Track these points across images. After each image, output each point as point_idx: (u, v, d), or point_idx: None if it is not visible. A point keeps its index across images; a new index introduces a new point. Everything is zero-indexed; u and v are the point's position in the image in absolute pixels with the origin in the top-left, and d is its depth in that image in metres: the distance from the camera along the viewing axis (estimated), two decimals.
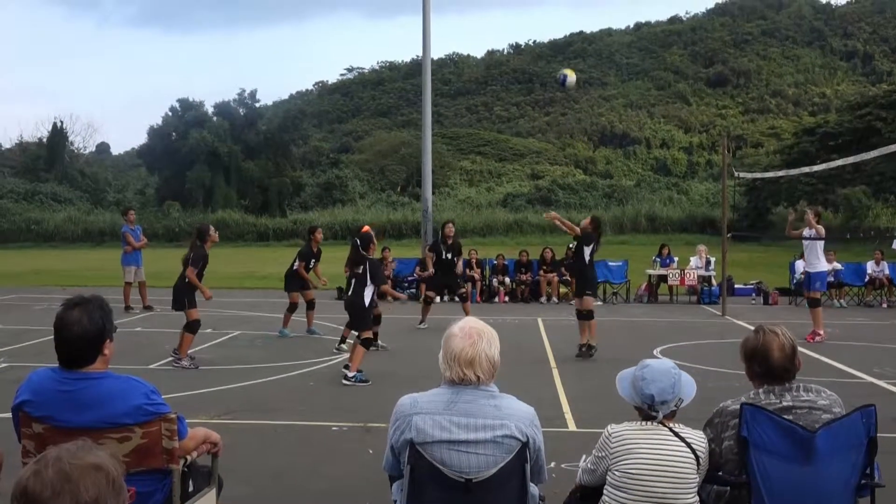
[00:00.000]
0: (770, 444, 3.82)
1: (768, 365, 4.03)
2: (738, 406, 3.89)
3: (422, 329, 16.01)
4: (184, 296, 12.24)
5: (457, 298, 17.83)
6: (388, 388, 10.18)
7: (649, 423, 3.90)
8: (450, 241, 16.92)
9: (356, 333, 11.09)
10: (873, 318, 19.18)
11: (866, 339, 15.30)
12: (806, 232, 15.14)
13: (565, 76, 17.11)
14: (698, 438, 3.89)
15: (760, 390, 4.05)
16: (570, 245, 23.56)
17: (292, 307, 15.38)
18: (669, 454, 3.80)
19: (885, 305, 21.68)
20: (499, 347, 3.64)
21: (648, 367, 3.97)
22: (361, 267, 11.13)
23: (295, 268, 15.43)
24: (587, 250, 13.16)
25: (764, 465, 3.81)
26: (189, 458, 4.18)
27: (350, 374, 10.67)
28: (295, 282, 15.53)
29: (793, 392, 4.01)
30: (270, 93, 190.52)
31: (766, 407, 3.90)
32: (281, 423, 8.65)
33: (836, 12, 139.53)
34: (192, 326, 12.08)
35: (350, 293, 11.37)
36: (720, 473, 3.99)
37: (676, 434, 3.85)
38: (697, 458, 3.83)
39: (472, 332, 3.61)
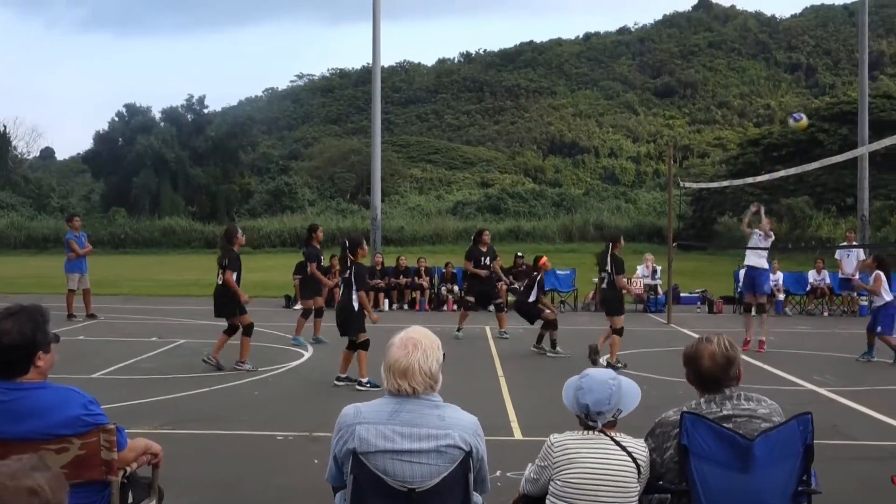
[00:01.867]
0: (709, 452, 3.85)
1: (699, 372, 4.08)
2: (678, 416, 3.92)
3: (459, 338, 15.80)
4: (231, 301, 12.15)
5: (491, 308, 17.45)
6: (334, 397, 10.14)
7: (591, 432, 3.91)
8: (485, 249, 16.82)
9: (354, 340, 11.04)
10: (815, 326, 19.51)
11: (808, 348, 15.55)
12: (756, 238, 15.25)
13: (799, 118, 17.03)
14: (639, 448, 3.92)
15: (702, 399, 4.08)
16: (519, 253, 23.69)
17: (306, 313, 15.36)
18: (611, 463, 3.82)
19: (826, 314, 22.05)
20: (439, 358, 3.61)
21: (587, 376, 3.99)
22: (347, 271, 11.07)
23: (310, 272, 15.23)
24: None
25: (703, 473, 3.84)
26: (128, 469, 4.12)
27: (364, 380, 10.75)
28: (310, 287, 15.37)
29: (733, 401, 4.04)
30: (219, 99, 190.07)
31: (707, 416, 3.93)
32: (225, 433, 8.57)
33: (781, 25, 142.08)
34: (248, 330, 12.16)
35: (341, 298, 11.29)
36: (661, 482, 4.01)
37: (618, 443, 3.87)
38: (638, 466, 3.85)
39: (409, 343, 3.60)
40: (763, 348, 14.72)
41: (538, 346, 14.48)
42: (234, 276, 12.08)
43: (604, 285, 13.68)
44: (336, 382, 11.01)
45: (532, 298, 14.67)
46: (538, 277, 14.86)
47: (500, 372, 12.42)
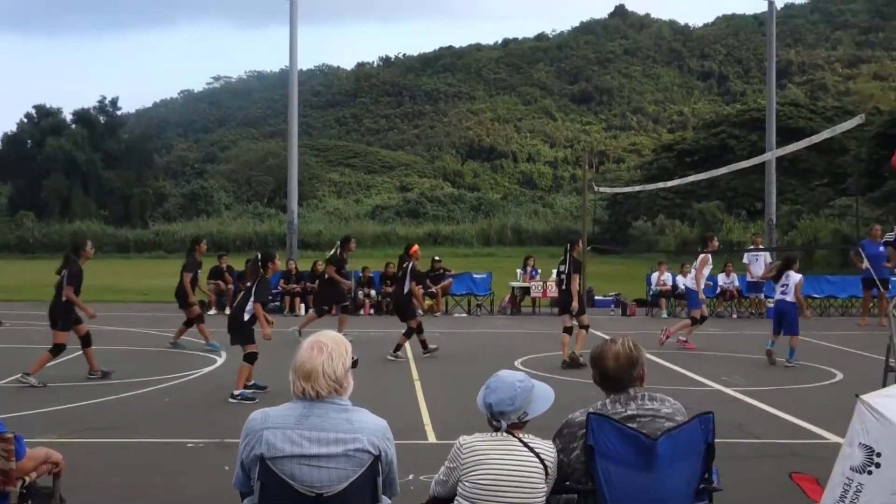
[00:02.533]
0: (615, 451, 3.92)
1: (604, 372, 4.15)
2: (585, 416, 3.98)
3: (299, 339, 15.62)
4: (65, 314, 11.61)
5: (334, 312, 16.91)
6: (246, 403, 10.03)
7: (499, 433, 3.95)
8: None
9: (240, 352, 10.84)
10: (724, 328, 19.95)
11: (717, 349, 15.90)
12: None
13: None
14: (547, 448, 3.96)
15: (608, 400, 4.15)
16: (436, 257, 23.75)
17: (189, 322, 15.13)
18: (519, 464, 3.86)
19: (735, 316, 22.58)
20: (346, 363, 3.57)
21: (496, 377, 4.03)
22: (251, 282, 10.93)
23: (185, 283, 15.02)
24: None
25: (609, 472, 3.91)
26: (27, 478, 4.02)
27: (236, 392, 10.46)
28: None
29: (638, 401, 4.11)
30: (133, 101, 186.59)
31: (612, 416, 4.00)
32: (134, 441, 8.41)
33: (694, 34, 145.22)
34: (57, 350, 11.48)
35: (234, 305, 11.13)
36: (568, 482, 4.06)
37: (525, 444, 3.91)
38: (546, 467, 3.89)
39: (315, 346, 3.57)
40: (665, 340, 15.29)
41: (395, 353, 14.14)
42: (73, 290, 11.49)
43: (563, 287, 13.92)
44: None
45: (406, 289, 14.49)
46: (408, 267, 14.60)
47: (415, 375, 12.44)
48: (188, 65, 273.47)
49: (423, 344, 14.47)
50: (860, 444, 3.12)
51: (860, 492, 3.08)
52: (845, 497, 3.13)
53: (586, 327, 13.65)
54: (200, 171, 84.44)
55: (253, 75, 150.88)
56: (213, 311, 21.78)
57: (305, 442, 3.48)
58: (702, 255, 15.65)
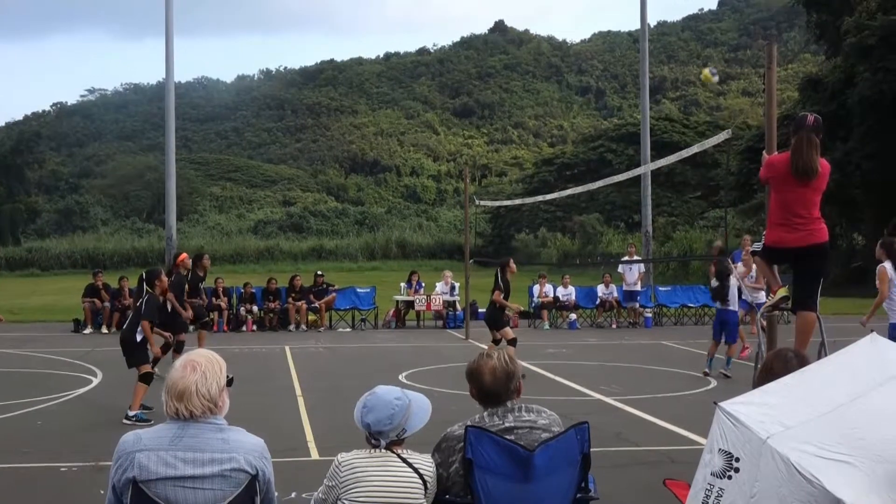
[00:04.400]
0: (493, 464, 3.96)
1: (481, 387, 4.19)
2: (463, 430, 4.01)
3: None
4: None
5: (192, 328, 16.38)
6: (123, 424, 9.75)
7: (377, 450, 3.94)
8: (203, 273, 16.21)
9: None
10: (604, 338, 20.37)
11: (597, 358, 16.24)
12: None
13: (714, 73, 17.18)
14: (426, 463, 3.98)
15: (485, 413, 4.19)
16: (319, 272, 23.58)
17: None
18: (397, 481, 3.86)
19: (614, 326, 23.09)
20: (220, 381, 3.51)
21: (373, 395, 4.01)
22: (140, 300, 10.64)
23: None
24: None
25: (487, 484, 3.95)
26: None
27: (131, 413, 10.13)
28: None
29: (515, 413, 4.17)
30: (2, 113, 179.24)
31: (490, 428, 4.04)
32: (3, 467, 8.08)
33: (572, 50, 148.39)
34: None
35: (125, 327, 10.81)
36: (448, 496, 4.09)
37: (404, 460, 3.91)
38: (425, 482, 3.91)
39: (188, 365, 3.50)
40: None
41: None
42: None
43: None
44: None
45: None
46: (179, 275, 14.33)
47: (298, 391, 12.31)
48: (61, 77, 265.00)
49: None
50: (720, 449, 3.23)
51: (721, 496, 3.19)
52: (707, 502, 3.23)
53: (512, 341, 13.49)
54: (75, 185, 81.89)
55: (129, 88, 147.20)
56: (89, 330, 21.15)
57: (180, 463, 3.41)
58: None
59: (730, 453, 3.17)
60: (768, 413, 3.19)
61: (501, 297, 13.60)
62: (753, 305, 15.62)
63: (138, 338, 10.55)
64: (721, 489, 3.18)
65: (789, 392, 3.36)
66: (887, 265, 10.10)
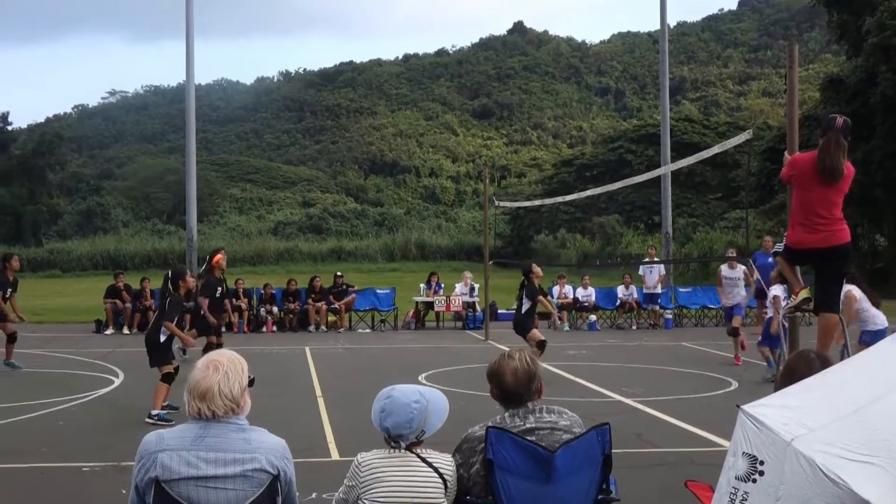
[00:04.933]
0: (514, 465, 3.95)
1: (502, 388, 4.19)
2: (484, 431, 4.01)
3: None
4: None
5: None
6: (144, 424, 9.80)
7: (397, 450, 3.94)
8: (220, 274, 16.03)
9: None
10: (624, 339, 20.32)
11: (617, 360, 16.19)
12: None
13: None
14: (446, 463, 3.97)
15: (506, 414, 4.19)
16: (338, 272, 23.62)
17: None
18: (417, 480, 3.86)
19: (634, 327, 23.01)
20: (243, 382, 3.52)
21: (390, 398, 3.98)
22: (164, 300, 10.73)
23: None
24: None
25: (508, 485, 3.94)
26: None
27: (153, 412, 10.20)
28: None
29: (536, 414, 4.17)
30: (25, 115, 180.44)
31: (511, 430, 4.03)
32: (26, 467, 8.13)
33: (591, 51, 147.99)
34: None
35: (149, 327, 10.92)
36: (469, 497, 4.09)
37: (424, 460, 3.91)
38: (445, 482, 3.90)
39: (210, 365, 3.51)
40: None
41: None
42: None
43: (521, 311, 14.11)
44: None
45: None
46: (215, 279, 14.28)
47: (318, 392, 12.34)
48: (82, 79, 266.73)
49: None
50: (743, 453, 3.22)
51: (746, 500, 3.17)
52: None
53: (541, 343, 13.39)
54: (96, 187, 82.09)
55: (150, 90, 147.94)
56: (110, 331, 21.28)
57: (202, 463, 3.42)
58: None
59: (754, 456, 3.15)
60: (791, 415, 3.17)
61: (546, 300, 14.03)
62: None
63: (162, 338, 10.61)
64: (746, 493, 3.16)
65: (811, 394, 3.34)
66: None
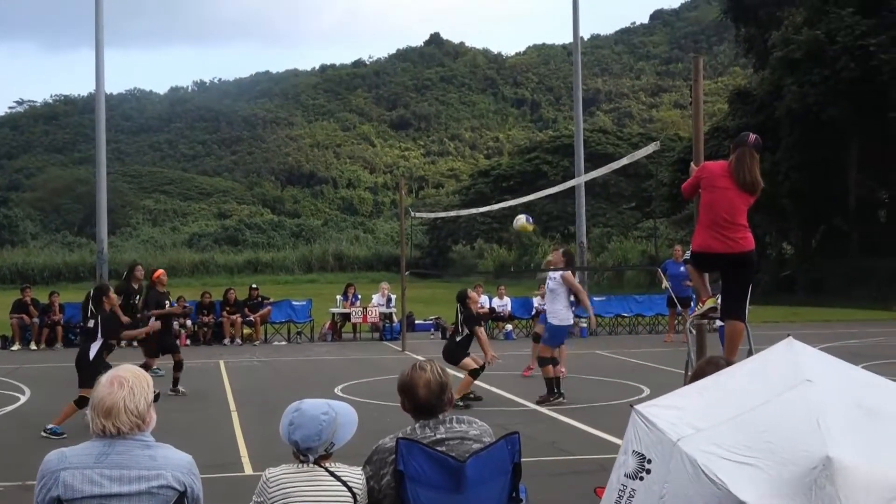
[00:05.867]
0: (424, 475, 3.96)
1: (415, 400, 4.19)
2: (394, 442, 4.01)
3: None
4: None
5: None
6: (52, 442, 9.55)
7: (305, 465, 3.92)
8: (137, 286, 15.88)
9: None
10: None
11: (532, 369, 16.29)
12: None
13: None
14: (355, 476, 3.96)
15: (417, 425, 4.19)
16: (254, 284, 23.37)
17: None
18: (326, 495, 3.84)
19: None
20: (148, 397, 3.48)
21: (298, 411, 3.95)
22: (92, 321, 10.41)
23: None
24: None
25: (419, 496, 3.94)
26: None
27: (49, 426, 9.95)
28: None
29: (446, 424, 4.18)
30: None
31: (421, 440, 4.04)
32: None
33: (507, 62, 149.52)
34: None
35: (80, 347, 10.65)
36: None
37: (332, 474, 3.89)
38: (355, 496, 3.89)
39: (115, 381, 3.46)
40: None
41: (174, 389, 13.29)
42: None
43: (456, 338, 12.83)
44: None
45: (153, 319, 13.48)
46: (158, 293, 14.24)
47: (232, 406, 12.19)
48: None
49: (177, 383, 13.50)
50: (633, 451, 3.32)
51: (633, 497, 3.26)
52: (620, 502, 3.31)
53: (474, 372, 12.30)
54: (4, 199, 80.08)
55: (59, 99, 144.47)
56: (16, 347, 20.69)
57: (106, 481, 3.36)
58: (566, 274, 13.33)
59: (643, 455, 3.25)
60: (681, 416, 3.27)
61: (482, 337, 12.50)
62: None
63: (92, 352, 10.30)
64: (633, 490, 3.25)
65: (703, 395, 3.44)
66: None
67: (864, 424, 3.19)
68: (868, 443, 3.09)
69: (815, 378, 3.37)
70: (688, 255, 18.42)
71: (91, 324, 10.58)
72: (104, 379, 3.51)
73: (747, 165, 6.98)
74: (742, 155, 7.00)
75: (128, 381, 3.47)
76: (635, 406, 3.39)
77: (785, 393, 3.29)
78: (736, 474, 3.01)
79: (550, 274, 12.98)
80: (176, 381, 13.27)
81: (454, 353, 12.46)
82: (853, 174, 35.53)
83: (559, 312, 12.55)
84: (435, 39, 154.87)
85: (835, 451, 2.99)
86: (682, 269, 19.68)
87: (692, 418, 3.24)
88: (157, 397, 3.55)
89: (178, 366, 13.33)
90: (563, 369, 13.58)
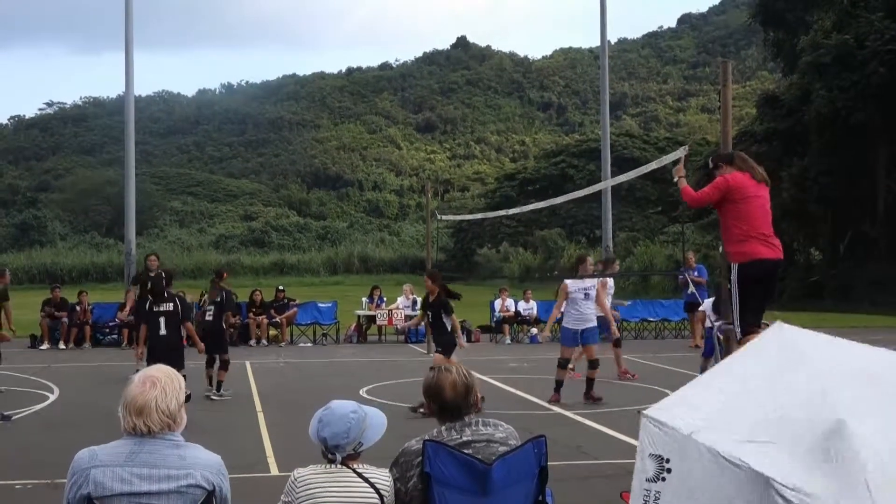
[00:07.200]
0: (451, 478, 3.97)
1: (442, 402, 4.20)
2: (421, 444, 4.02)
3: None
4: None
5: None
6: (78, 441, 9.62)
7: (333, 465, 3.94)
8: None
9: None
10: None
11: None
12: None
13: None
14: (383, 478, 3.97)
15: (443, 427, 4.20)
16: (280, 287, 23.46)
17: None
18: (354, 496, 3.86)
19: None
20: (180, 398, 3.51)
21: (328, 409, 4.00)
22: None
23: None
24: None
25: (445, 498, 3.95)
26: None
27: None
28: None
29: (472, 427, 4.19)
30: None
31: (448, 443, 4.05)
32: None
33: (534, 66, 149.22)
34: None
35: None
36: None
37: (360, 475, 3.91)
38: (382, 497, 3.90)
39: (147, 381, 3.49)
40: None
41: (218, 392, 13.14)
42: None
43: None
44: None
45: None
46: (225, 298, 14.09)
47: (258, 407, 12.25)
48: (19, 90, 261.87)
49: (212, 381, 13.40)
50: (650, 454, 3.33)
51: (658, 499, 3.27)
52: None
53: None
54: (33, 200, 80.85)
55: (89, 101, 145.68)
56: (45, 346, 20.88)
57: (136, 479, 3.40)
58: (599, 280, 13.79)
59: (659, 456, 3.25)
60: (689, 410, 3.29)
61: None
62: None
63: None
64: (658, 492, 3.26)
65: (707, 387, 3.46)
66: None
67: (868, 390, 3.23)
68: (879, 405, 3.13)
69: (813, 354, 3.41)
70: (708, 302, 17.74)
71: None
72: (137, 378, 3.54)
73: (751, 163, 7.01)
74: (740, 157, 7.04)
75: (160, 380, 3.50)
76: (644, 412, 3.40)
77: (786, 373, 3.31)
78: (756, 455, 3.04)
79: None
80: (220, 385, 12.99)
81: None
82: (882, 179, 35.21)
83: (569, 314, 12.88)
84: (461, 42, 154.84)
85: (845, 415, 3.03)
86: (695, 273, 20.04)
87: (700, 410, 3.27)
88: (188, 398, 3.58)
89: (224, 365, 13.09)
90: (572, 370, 13.94)
